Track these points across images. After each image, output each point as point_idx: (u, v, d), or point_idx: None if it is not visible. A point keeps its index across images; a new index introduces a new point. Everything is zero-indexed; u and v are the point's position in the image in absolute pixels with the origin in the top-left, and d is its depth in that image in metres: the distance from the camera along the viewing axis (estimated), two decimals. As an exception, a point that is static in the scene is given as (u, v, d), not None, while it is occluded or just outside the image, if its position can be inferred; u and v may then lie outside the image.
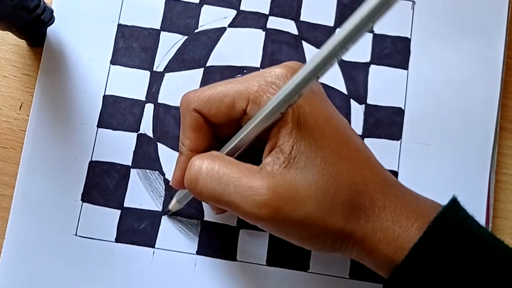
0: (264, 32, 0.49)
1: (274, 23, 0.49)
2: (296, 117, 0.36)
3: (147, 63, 0.48)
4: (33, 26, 0.46)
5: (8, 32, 0.46)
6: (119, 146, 0.47)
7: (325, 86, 0.48)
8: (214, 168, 0.36)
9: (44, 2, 0.46)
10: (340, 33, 0.31)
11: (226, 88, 0.38)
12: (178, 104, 0.47)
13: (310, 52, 0.48)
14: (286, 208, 0.35)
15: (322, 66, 0.32)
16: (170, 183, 0.43)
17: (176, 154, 0.46)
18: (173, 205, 0.45)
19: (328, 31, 0.49)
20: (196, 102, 0.39)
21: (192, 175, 0.37)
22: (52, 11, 0.47)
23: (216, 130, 0.41)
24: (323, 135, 0.36)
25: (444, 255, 0.35)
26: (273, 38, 0.49)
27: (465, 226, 0.36)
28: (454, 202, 0.37)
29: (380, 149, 0.47)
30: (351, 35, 0.30)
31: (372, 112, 0.48)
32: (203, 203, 0.46)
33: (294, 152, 0.35)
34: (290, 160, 0.35)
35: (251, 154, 0.40)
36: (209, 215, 0.46)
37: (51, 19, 0.47)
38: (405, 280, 0.36)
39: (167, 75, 0.48)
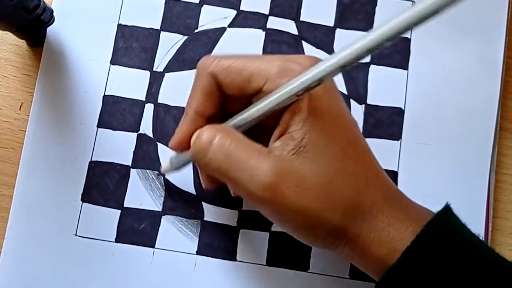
0: (264, 32, 0.49)
1: (274, 23, 0.49)
2: (312, 107, 0.36)
3: (147, 63, 0.48)
4: (33, 26, 0.46)
5: (8, 32, 0.46)
6: (119, 146, 0.47)
7: (325, 86, 0.48)
8: (226, 143, 0.36)
9: (44, 2, 0.45)
10: (378, 30, 0.31)
11: (248, 62, 0.38)
12: (178, 104, 0.47)
13: (310, 52, 0.48)
14: (289, 194, 0.35)
15: (353, 58, 0.32)
16: (169, 145, 0.42)
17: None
18: (165, 167, 0.44)
19: (328, 31, 0.49)
20: (214, 67, 0.39)
21: (202, 145, 0.37)
22: (52, 11, 0.47)
23: (224, 103, 0.40)
24: (335, 131, 0.37)
25: (436, 258, 0.35)
26: (273, 38, 0.49)
27: (456, 231, 0.36)
28: (447, 208, 0.38)
29: (380, 149, 0.47)
30: (391, 34, 0.30)
31: (372, 112, 0.48)
32: (203, 203, 0.46)
33: (305, 141, 0.36)
34: (299, 148, 0.36)
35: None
36: (209, 215, 0.46)
37: (51, 19, 0.47)
38: (397, 283, 0.36)
39: (167, 75, 0.48)
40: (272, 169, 0.35)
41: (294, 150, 0.36)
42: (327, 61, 0.33)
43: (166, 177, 0.46)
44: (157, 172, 0.46)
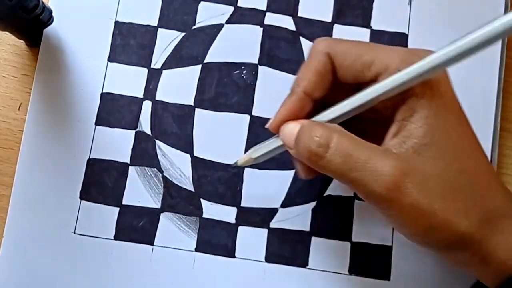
0: (261, 29, 0.49)
1: (272, 19, 0.49)
2: (435, 105, 0.35)
3: (144, 60, 0.48)
4: (32, 26, 0.46)
5: (7, 33, 0.46)
6: (117, 144, 0.47)
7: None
8: (344, 144, 0.35)
9: (43, 2, 0.46)
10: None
11: (368, 48, 0.37)
12: (176, 101, 0.47)
13: (308, 48, 0.48)
14: (413, 193, 0.34)
15: (482, 45, 0.32)
16: (268, 125, 0.40)
17: (175, 151, 0.46)
18: (245, 160, 0.43)
19: (325, 27, 0.49)
20: (332, 49, 0.38)
21: (318, 147, 0.35)
22: (51, 11, 0.48)
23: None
24: (456, 130, 0.35)
25: None
26: (271, 34, 0.48)
27: None
28: None
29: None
30: None
31: (370, 108, 0.48)
32: (201, 200, 0.46)
33: (426, 140, 0.34)
34: (420, 147, 0.34)
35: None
36: (207, 212, 0.46)
37: (50, 19, 0.48)
38: None
39: (164, 72, 0.48)
40: (395, 167, 0.33)
41: (414, 149, 0.34)
42: (442, 51, 0.33)
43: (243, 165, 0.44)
44: (156, 169, 0.46)
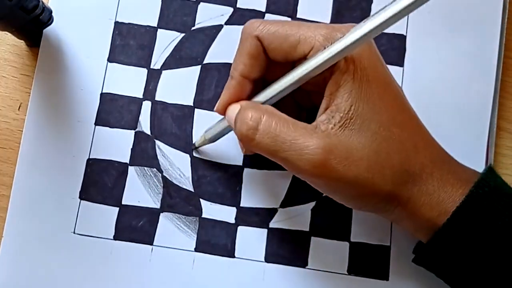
0: (261, 30, 0.49)
1: (271, 20, 0.49)
2: (358, 78, 0.37)
3: (144, 60, 0.48)
4: (32, 26, 0.46)
5: (6, 33, 0.46)
6: (116, 144, 0.47)
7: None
8: (271, 125, 0.37)
9: (43, 2, 0.46)
10: None
11: (294, 28, 0.39)
12: (175, 102, 0.47)
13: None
14: (339, 168, 0.36)
15: (390, 21, 0.34)
16: (215, 109, 0.43)
17: (174, 151, 0.47)
18: (200, 141, 0.46)
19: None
20: (260, 31, 0.39)
21: (248, 129, 0.38)
22: (51, 11, 0.48)
23: (266, 70, 0.41)
24: (381, 99, 0.37)
25: (485, 218, 0.36)
26: (270, 35, 0.49)
27: (503, 191, 0.37)
28: (491, 169, 0.39)
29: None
30: None
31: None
32: (201, 200, 0.46)
33: (351, 113, 0.36)
34: (346, 121, 0.36)
35: (292, 108, 0.41)
36: (207, 212, 0.46)
37: (50, 19, 0.48)
38: (446, 242, 0.37)
39: (164, 72, 0.48)
40: (321, 146, 0.36)
41: (340, 123, 0.36)
42: (361, 26, 0.34)
43: (196, 154, 0.47)
44: (155, 169, 0.46)
